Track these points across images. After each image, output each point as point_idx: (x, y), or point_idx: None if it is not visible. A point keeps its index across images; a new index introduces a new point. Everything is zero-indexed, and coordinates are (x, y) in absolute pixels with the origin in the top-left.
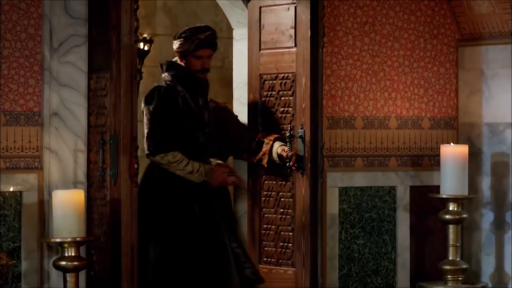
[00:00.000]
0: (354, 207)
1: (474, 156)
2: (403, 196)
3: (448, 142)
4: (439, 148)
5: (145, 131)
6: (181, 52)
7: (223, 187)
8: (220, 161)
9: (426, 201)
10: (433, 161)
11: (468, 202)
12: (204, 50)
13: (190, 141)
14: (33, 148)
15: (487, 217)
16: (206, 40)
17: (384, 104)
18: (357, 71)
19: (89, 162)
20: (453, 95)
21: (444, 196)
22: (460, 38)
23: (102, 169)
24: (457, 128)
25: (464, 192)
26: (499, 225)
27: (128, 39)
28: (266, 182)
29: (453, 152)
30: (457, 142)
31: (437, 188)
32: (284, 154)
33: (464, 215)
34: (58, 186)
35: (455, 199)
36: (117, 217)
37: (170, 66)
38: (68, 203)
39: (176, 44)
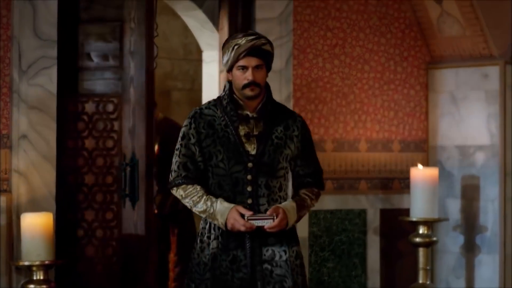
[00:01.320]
0: (324, 230)
1: (444, 178)
2: (373, 219)
3: (418, 165)
4: (409, 171)
5: None
6: (225, 65)
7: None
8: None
9: (396, 224)
10: (403, 184)
11: (438, 225)
12: (249, 59)
13: (226, 177)
14: (2, 171)
15: (457, 240)
16: (249, 46)
17: (354, 127)
18: (327, 93)
19: (65, 183)
20: (423, 118)
21: (414, 219)
22: (430, 60)
23: (124, 192)
24: (427, 150)
25: (434, 215)
26: (469, 248)
27: (150, 64)
28: None
29: (423, 175)
30: (427, 164)
31: (407, 211)
32: None
33: (434, 238)
34: (27, 209)
35: (425, 222)
36: (132, 239)
37: (225, 86)
38: (36, 226)
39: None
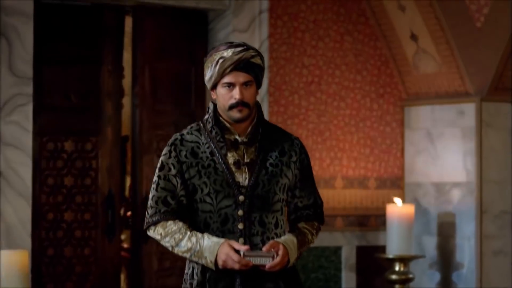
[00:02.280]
0: (300, 268)
1: (421, 215)
2: (349, 256)
3: (394, 202)
4: (385, 208)
5: None
6: (208, 82)
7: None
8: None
9: (372, 261)
10: (380, 221)
11: (414, 262)
12: (236, 74)
13: (213, 214)
14: None
15: (434, 278)
16: (236, 59)
17: (330, 164)
18: (303, 130)
19: (45, 220)
20: (399, 155)
21: (390, 256)
22: (406, 97)
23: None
24: (403, 187)
25: (410, 252)
26: (445, 286)
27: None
28: None
29: (399, 212)
30: (403, 201)
31: (383, 248)
32: None
33: (411, 275)
34: (3, 246)
35: (401, 259)
36: (109, 273)
37: (208, 107)
38: (12, 263)
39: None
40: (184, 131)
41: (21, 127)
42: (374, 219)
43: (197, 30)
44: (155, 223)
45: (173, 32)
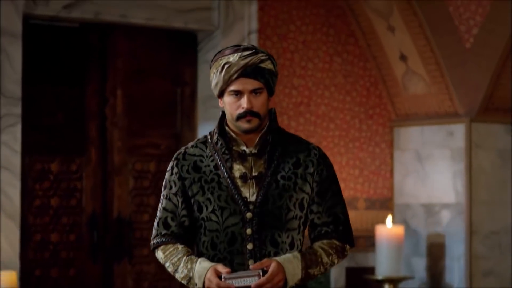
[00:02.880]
0: None
1: (410, 237)
2: (338, 278)
3: (384, 223)
4: (375, 229)
5: None
6: (215, 89)
7: None
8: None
9: (361, 282)
10: (369, 242)
11: (404, 283)
12: (243, 81)
13: (220, 233)
14: None
15: None
16: (243, 65)
17: None
18: None
19: (32, 241)
20: (388, 176)
21: (379, 278)
22: (395, 118)
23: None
24: (392, 208)
25: (400, 273)
26: None
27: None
28: None
29: (388, 233)
30: (392, 223)
31: (372, 270)
32: None
33: None
34: None
35: (390, 281)
36: None
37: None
38: (1, 284)
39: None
40: (190, 144)
41: (10, 148)
42: (364, 240)
43: (185, 51)
44: (156, 247)
45: (159, 52)
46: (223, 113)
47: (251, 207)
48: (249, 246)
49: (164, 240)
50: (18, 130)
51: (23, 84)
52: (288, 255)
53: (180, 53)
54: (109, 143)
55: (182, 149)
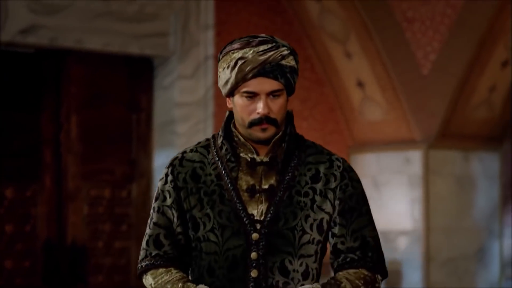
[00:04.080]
0: None
1: None
2: None
3: None
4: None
5: None
6: (223, 87)
7: None
8: None
9: None
10: (326, 269)
11: None
12: (260, 81)
13: (219, 256)
14: None
15: None
16: (261, 62)
17: None
18: None
19: None
20: None
21: None
22: (352, 144)
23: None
24: None
25: None
26: None
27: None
28: None
29: None
30: None
31: None
32: None
33: None
34: None
35: None
36: None
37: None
38: None
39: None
40: (188, 148)
41: None
42: (323, 268)
43: (141, 77)
44: (145, 271)
45: (115, 78)
46: (231, 113)
47: (258, 226)
48: (253, 273)
49: (154, 262)
50: None
51: None
52: (307, 285)
53: (136, 79)
54: (64, 169)
55: (179, 154)
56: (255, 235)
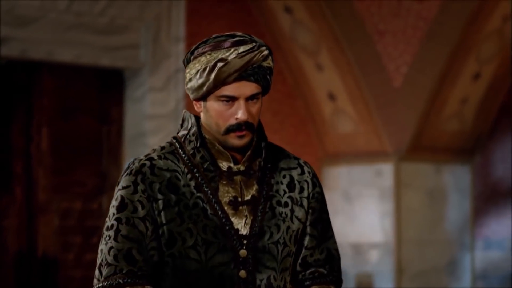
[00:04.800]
0: None
1: None
2: None
3: None
4: None
5: None
6: (194, 91)
7: None
8: None
9: None
10: None
11: None
12: (241, 85)
13: (200, 274)
14: None
15: None
16: (243, 64)
17: None
18: None
19: None
20: None
21: None
22: (324, 157)
23: None
24: None
25: None
26: None
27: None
28: None
29: None
30: None
31: None
32: None
33: None
34: None
35: None
36: None
37: (183, 120)
38: None
39: (186, 77)
40: (153, 154)
41: None
42: None
43: (112, 89)
44: None
45: (86, 90)
46: (198, 118)
47: (245, 242)
48: None
49: (128, 280)
50: None
51: None
52: None
53: (107, 91)
54: (35, 181)
55: (144, 160)
56: (243, 252)
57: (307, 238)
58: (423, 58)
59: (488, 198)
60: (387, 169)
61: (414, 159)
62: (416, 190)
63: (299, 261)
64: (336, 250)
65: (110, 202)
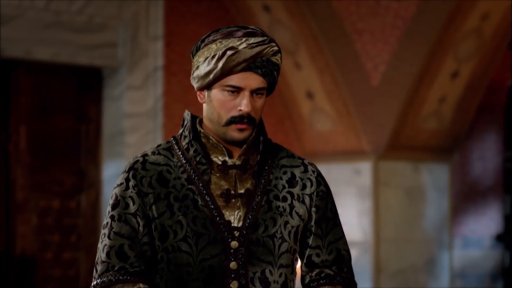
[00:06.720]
0: None
1: None
2: None
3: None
4: None
5: None
6: (200, 79)
7: None
8: None
9: None
10: None
11: None
12: (248, 76)
13: (191, 267)
14: None
15: None
16: (253, 55)
17: None
18: None
19: None
20: None
21: None
22: (302, 156)
23: None
24: None
25: None
26: None
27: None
28: None
29: (297, 272)
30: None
31: None
32: None
33: None
34: None
35: None
36: None
37: (183, 119)
38: None
39: (193, 65)
40: (149, 151)
41: None
42: None
43: (90, 87)
44: (107, 286)
45: (64, 89)
46: (193, 115)
47: (236, 234)
48: (233, 284)
49: (120, 277)
50: None
51: None
52: None
53: (85, 90)
54: (12, 180)
55: (139, 157)
56: (234, 243)
57: (312, 238)
58: (401, 57)
59: (466, 197)
60: (365, 168)
61: (393, 158)
62: (394, 188)
63: (304, 261)
64: (347, 251)
65: (88, 201)
